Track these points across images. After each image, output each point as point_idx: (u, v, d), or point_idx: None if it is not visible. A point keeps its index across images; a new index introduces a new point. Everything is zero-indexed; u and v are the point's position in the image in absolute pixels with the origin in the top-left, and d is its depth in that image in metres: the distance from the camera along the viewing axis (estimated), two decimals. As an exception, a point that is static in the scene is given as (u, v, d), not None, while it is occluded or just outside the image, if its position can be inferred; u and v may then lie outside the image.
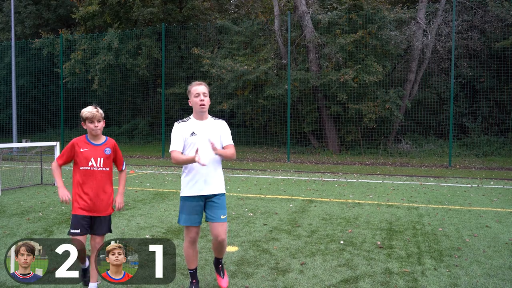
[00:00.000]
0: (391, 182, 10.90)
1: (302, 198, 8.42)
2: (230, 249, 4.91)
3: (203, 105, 3.61)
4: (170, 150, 3.63)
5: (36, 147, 11.16)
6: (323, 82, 17.43)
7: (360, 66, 17.02)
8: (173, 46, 23.29)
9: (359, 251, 4.82)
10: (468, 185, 10.27)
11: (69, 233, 3.51)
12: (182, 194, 3.67)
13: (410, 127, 19.08)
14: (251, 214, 6.90)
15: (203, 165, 3.37)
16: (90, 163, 3.53)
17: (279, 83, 18.55)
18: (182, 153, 3.63)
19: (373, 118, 17.30)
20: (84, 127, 3.59)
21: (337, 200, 8.14)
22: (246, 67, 18.25)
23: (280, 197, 8.57)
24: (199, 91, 3.63)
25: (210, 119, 3.76)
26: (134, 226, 6.12)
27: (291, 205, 7.68)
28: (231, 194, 8.95)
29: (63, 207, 7.49)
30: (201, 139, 3.59)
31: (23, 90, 25.35)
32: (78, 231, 3.47)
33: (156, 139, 23.43)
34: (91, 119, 3.54)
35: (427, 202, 7.91)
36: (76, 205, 3.56)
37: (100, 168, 3.57)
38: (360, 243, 5.15)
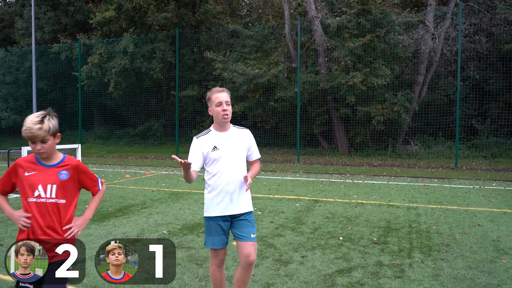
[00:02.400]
0: (396, 183, 11.33)
1: (309, 198, 8.93)
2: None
3: (227, 115, 3.23)
4: None
5: (59, 149, 11.84)
6: (332, 85, 17.89)
7: (368, 69, 17.42)
8: (186, 50, 23.95)
9: (356, 246, 5.32)
10: (470, 187, 10.64)
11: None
12: (206, 214, 3.35)
13: (419, 129, 19.39)
14: (260, 212, 7.43)
15: (185, 162, 3.00)
16: (36, 193, 2.59)
17: (289, 86, 19.05)
18: (204, 169, 3.34)
19: (382, 120, 17.68)
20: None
21: (341, 200, 8.62)
22: (257, 70, 18.79)
23: (287, 197, 9.08)
24: (221, 99, 3.23)
25: (232, 129, 3.38)
26: (152, 222, 6.70)
27: (298, 204, 8.19)
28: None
29: (86, 206, 8.12)
30: (224, 154, 3.26)
31: (42, 93, 26.24)
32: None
33: (170, 141, 24.10)
34: (32, 140, 2.56)
35: (427, 203, 8.35)
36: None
37: (51, 200, 2.63)
38: (358, 239, 5.65)
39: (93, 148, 23.95)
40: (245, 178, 3.24)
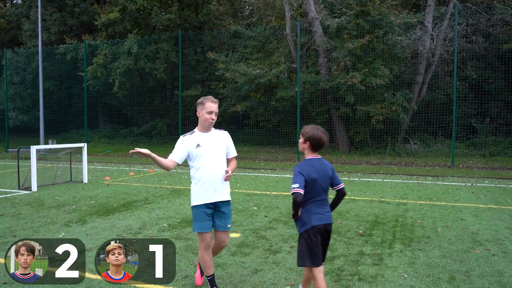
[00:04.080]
0: (391, 181, 11.68)
1: (304, 194, 9.30)
2: (233, 235, 5.85)
3: (212, 122, 3.86)
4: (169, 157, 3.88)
5: (66, 148, 12.31)
6: (332, 84, 18.24)
7: (367, 69, 17.76)
8: (189, 50, 24.36)
9: (342, 238, 5.71)
10: (462, 184, 10.98)
11: None
12: (193, 204, 3.87)
13: (419, 128, 19.68)
14: (256, 208, 7.83)
15: (142, 153, 3.55)
16: None
17: (290, 85, 19.42)
18: (188, 165, 3.96)
19: (381, 120, 18.01)
20: None
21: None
22: (258, 70, 19.17)
23: (284, 193, 9.47)
24: (212, 109, 3.82)
25: (213, 131, 3.99)
26: (154, 217, 7.12)
27: (293, 200, 8.58)
28: (240, 191, 9.91)
29: (92, 201, 8.56)
30: (206, 151, 3.85)
31: (48, 93, 26.76)
32: None
33: (174, 139, 24.38)
34: None
35: (417, 199, 8.71)
36: None
37: None
38: (345, 232, 6.04)
39: (98, 147, 24.43)
40: (226, 171, 3.85)
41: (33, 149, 9.97)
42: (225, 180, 3.88)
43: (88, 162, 17.39)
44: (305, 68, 20.02)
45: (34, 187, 9.92)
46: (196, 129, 3.99)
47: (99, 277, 4.25)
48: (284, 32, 20.84)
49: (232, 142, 4.13)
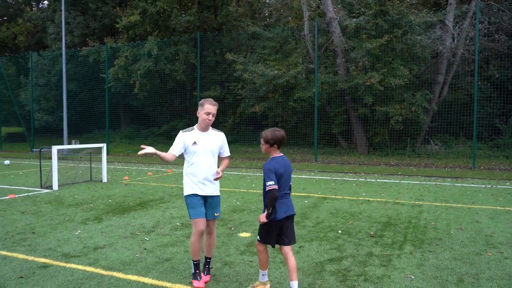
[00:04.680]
0: (408, 182, 11.54)
1: (318, 195, 9.31)
2: (243, 234, 5.93)
3: (209, 123, 4.20)
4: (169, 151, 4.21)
5: (86, 148, 12.63)
6: (350, 85, 18.12)
7: (386, 69, 17.58)
8: (208, 51, 24.61)
9: (352, 239, 5.70)
10: (482, 186, 10.75)
11: None
12: (186, 193, 4.23)
13: (440, 128, 19.35)
14: (268, 208, 7.87)
15: (149, 153, 3.95)
16: None
17: (308, 86, 19.38)
18: (183, 159, 4.32)
19: (400, 120, 17.79)
20: None
21: (349, 198, 8.97)
22: (276, 71, 19.21)
23: (298, 194, 9.49)
24: (210, 111, 4.16)
25: (211, 130, 4.33)
26: (168, 216, 7.25)
27: (306, 201, 8.60)
28: (254, 191, 9.98)
29: (109, 200, 8.77)
30: (201, 148, 4.19)
31: (71, 94, 27.46)
32: None
33: (193, 140, 24.79)
34: None
35: (432, 200, 8.59)
36: None
37: None
38: (356, 233, 6.02)
39: (119, 147, 24.91)
40: (217, 172, 4.21)
41: (54, 149, 10.27)
42: (215, 179, 4.22)
43: (108, 162, 17.83)
44: (323, 68, 19.94)
45: (55, 186, 10.22)
46: (195, 127, 4.32)
47: (110, 273, 4.38)
48: (302, 32, 20.82)
49: (226, 143, 4.46)
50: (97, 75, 25.56)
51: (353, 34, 18.55)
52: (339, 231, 6.11)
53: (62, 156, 19.29)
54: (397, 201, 8.57)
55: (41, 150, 11.15)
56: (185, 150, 4.26)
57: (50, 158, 11.96)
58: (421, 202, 8.40)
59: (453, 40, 17.97)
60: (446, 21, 17.96)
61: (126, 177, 12.71)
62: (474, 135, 15.56)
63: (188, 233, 6.09)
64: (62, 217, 7.12)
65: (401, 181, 11.64)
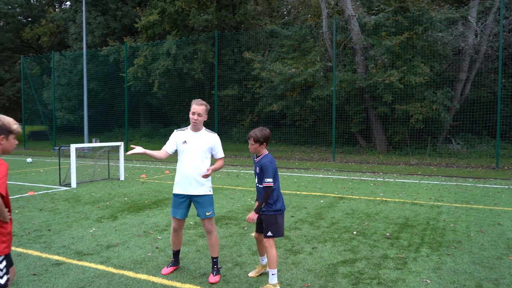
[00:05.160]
0: (428, 182, 11.27)
1: (334, 195, 9.17)
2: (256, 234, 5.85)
3: (195, 122, 4.23)
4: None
5: (104, 146, 12.78)
6: (369, 83, 17.85)
7: (406, 67, 17.24)
8: (226, 50, 24.63)
9: (367, 240, 5.57)
10: (505, 187, 10.41)
11: None
12: (173, 191, 4.41)
13: (462, 127, 18.88)
14: (283, 207, 7.79)
15: (130, 154, 4.08)
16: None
17: (326, 84, 19.18)
18: (177, 158, 4.42)
19: (420, 119, 17.44)
20: (1, 142, 2.83)
21: (365, 198, 8.81)
22: (294, 69, 19.07)
23: (313, 193, 9.37)
24: (195, 110, 4.21)
25: (203, 131, 4.36)
26: (182, 214, 7.24)
27: (322, 201, 8.48)
28: (270, 190, 9.88)
29: (125, 198, 8.84)
30: (190, 148, 4.26)
31: (92, 93, 27.92)
32: None
33: (211, 138, 24.88)
34: (18, 135, 2.94)
35: (453, 201, 8.35)
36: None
37: None
38: (371, 234, 5.89)
39: (139, 145, 24.82)
40: (207, 169, 4.18)
41: (73, 147, 10.42)
42: (203, 176, 4.19)
43: (127, 160, 18.04)
44: (341, 66, 19.70)
45: (74, 184, 10.37)
46: (188, 127, 4.41)
47: (120, 271, 4.38)
48: (320, 30, 20.62)
49: (219, 144, 4.43)
50: (117, 74, 25.90)
51: (372, 31, 18.27)
52: (354, 232, 5.99)
53: (82, 154, 19.62)
54: (416, 201, 8.37)
55: (60, 148, 11.33)
56: (177, 149, 4.40)
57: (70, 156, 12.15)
58: (440, 203, 8.18)
59: (476, 37, 17.49)
60: (469, 17, 17.50)
61: (143, 175, 12.81)
62: (497, 134, 15.11)
63: (201, 232, 6.07)
64: (78, 215, 7.20)
65: (421, 181, 11.38)
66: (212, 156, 4.45)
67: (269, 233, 3.98)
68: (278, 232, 4.01)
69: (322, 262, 4.73)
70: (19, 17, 37.25)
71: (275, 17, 27.80)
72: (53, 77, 26.32)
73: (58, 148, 11.35)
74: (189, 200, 4.35)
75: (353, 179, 11.96)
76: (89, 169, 13.76)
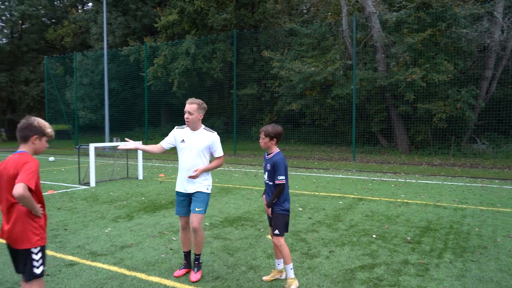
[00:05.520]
0: (451, 183, 10.92)
1: (354, 196, 8.96)
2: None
3: (187, 121, 4.27)
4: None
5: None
6: (391, 81, 17.47)
7: (429, 65, 16.80)
8: (245, 49, 24.53)
9: (387, 244, 5.37)
10: (534, 188, 10.00)
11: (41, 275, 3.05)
12: (175, 189, 4.45)
13: (488, 126, 18.28)
14: (301, 209, 7.64)
15: (122, 148, 4.26)
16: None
17: (346, 83, 18.87)
18: (177, 155, 4.50)
19: (444, 118, 16.97)
20: (35, 142, 3.06)
21: (386, 199, 8.56)
22: (313, 68, 18.83)
23: (332, 194, 9.18)
24: (186, 109, 4.25)
25: (201, 130, 4.35)
26: (198, 215, 7.16)
27: (341, 202, 8.28)
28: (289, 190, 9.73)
29: (143, 198, 8.83)
30: (188, 147, 4.29)
31: (114, 93, 28.25)
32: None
33: (231, 138, 24.84)
34: (50, 138, 3.18)
35: (477, 204, 8.04)
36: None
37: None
38: (391, 238, 5.68)
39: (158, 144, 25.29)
40: (194, 170, 4.23)
41: (91, 146, 10.49)
42: (189, 177, 4.23)
43: (146, 159, 18.15)
44: (362, 65, 19.35)
45: (93, 183, 10.44)
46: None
47: (133, 273, 4.32)
48: (340, 28, 20.31)
49: (218, 143, 4.41)
50: (137, 74, 26.12)
51: (393, 28, 17.87)
52: (374, 236, 5.79)
53: (102, 153, 19.84)
54: (439, 203, 8.09)
55: (79, 147, 11.44)
56: (176, 147, 4.46)
57: (97, 155, 12.21)
58: (464, 206, 7.88)
59: (503, 33, 16.90)
60: (495, 12, 16.91)
61: (161, 175, 12.83)
62: (525, 134, 14.55)
63: (216, 233, 5.98)
64: (95, 214, 7.21)
65: (444, 182, 11.03)
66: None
67: (277, 231, 4.01)
68: (285, 229, 4.07)
69: (339, 266, 4.57)
70: (43, 19, 38.02)
71: (294, 15, 27.55)
72: (75, 77, 26.74)
73: (78, 147, 11.45)
74: (189, 197, 4.36)
75: (373, 179, 11.69)
76: (109, 168, 13.87)
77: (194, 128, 4.34)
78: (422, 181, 11.27)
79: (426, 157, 17.50)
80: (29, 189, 2.80)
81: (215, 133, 4.43)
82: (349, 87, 18.31)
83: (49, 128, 3.10)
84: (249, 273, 4.40)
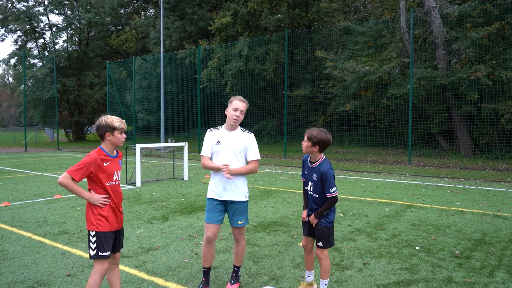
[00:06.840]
0: (518, 191, 9.87)
1: (402, 202, 8.33)
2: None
3: (236, 120, 3.91)
4: (200, 154, 4.05)
5: (169, 146, 13.03)
6: (452, 80, 16.32)
7: (495, 61, 15.47)
8: (298, 49, 24.15)
9: (430, 258, 4.83)
10: None
11: (98, 256, 3.31)
12: (207, 196, 4.06)
13: None
14: (342, 215, 7.20)
15: (228, 178, 3.78)
16: (114, 177, 3.34)
17: (403, 82, 17.92)
18: (210, 159, 4.01)
19: (513, 119, 15.56)
20: (109, 138, 3.30)
21: (438, 207, 7.86)
22: (368, 67, 18.07)
23: (379, 200, 8.60)
24: (238, 106, 3.91)
25: (239, 130, 4.02)
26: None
27: (387, 209, 7.71)
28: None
29: (182, 199, 8.82)
30: (224, 148, 3.93)
31: (171, 96, 29.04)
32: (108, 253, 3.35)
33: (283, 139, 24.58)
34: (123, 130, 3.36)
35: (546, 215, 7.13)
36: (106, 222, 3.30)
37: (118, 182, 3.41)
38: (437, 251, 5.12)
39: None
40: (225, 165, 3.84)
41: (138, 147, 10.70)
42: (225, 172, 3.81)
43: (196, 160, 18.37)
44: (420, 62, 18.26)
45: (138, 183, 10.64)
46: (223, 126, 4.09)
47: (151, 278, 4.20)
48: (397, 24, 19.33)
49: (255, 145, 4.05)
50: (193, 77, 26.64)
51: (456, 23, 16.69)
52: (417, 248, 5.26)
53: (156, 153, 20.38)
54: (498, 213, 7.27)
55: (128, 148, 11.72)
56: (211, 151, 4.07)
57: (146, 155, 12.54)
58: (530, 217, 7.02)
59: None
60: None
61: (207, 176, 12.85)
62: None
63: (246, 239, 5.73)
64: (132, 215, 7.26)
65: (508, 190, 10.00)
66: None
67: (320, 244, 3.74)
68: (330, 243, 3.77)
69: (371, 281, 4.14)
70: (108, 26, 40.13)
71: (348, 13, 26.73)
72: (134, 80, 27.79)
73: (126, 147, 11.76)
74: (224, 205, 3.98)
75: (428, 185, 10.88)
76: (157, 169, 14.16)
77: (233, 128, 4.00)
78: (483, 188, 10.30)
79: (491, 161, 16.12)
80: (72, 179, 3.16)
81: (252, 134, 4.10)
82: (405, 87, 17.36)
83: (117, 122, 3.28)
84: (270, 283, 4.11)
